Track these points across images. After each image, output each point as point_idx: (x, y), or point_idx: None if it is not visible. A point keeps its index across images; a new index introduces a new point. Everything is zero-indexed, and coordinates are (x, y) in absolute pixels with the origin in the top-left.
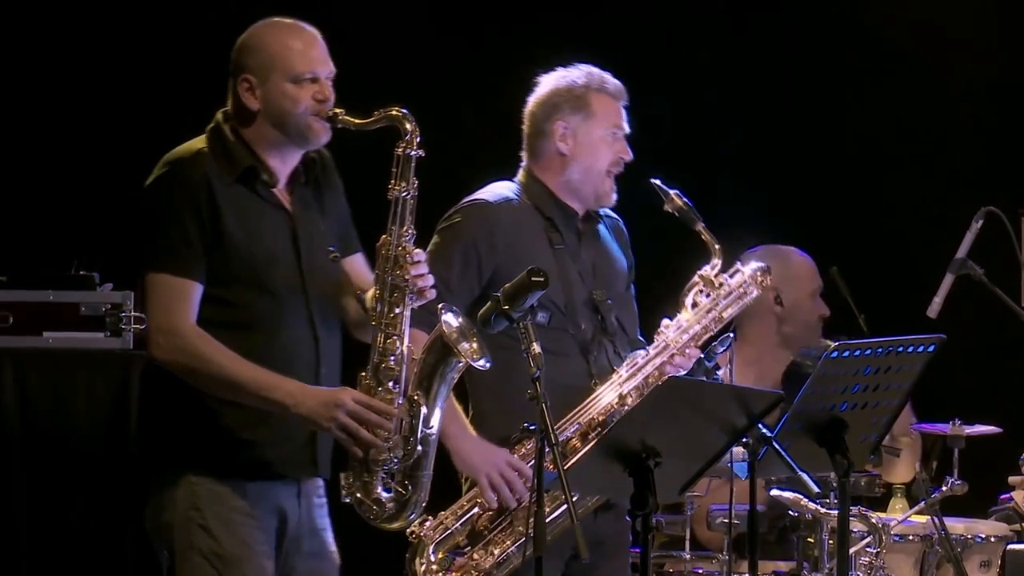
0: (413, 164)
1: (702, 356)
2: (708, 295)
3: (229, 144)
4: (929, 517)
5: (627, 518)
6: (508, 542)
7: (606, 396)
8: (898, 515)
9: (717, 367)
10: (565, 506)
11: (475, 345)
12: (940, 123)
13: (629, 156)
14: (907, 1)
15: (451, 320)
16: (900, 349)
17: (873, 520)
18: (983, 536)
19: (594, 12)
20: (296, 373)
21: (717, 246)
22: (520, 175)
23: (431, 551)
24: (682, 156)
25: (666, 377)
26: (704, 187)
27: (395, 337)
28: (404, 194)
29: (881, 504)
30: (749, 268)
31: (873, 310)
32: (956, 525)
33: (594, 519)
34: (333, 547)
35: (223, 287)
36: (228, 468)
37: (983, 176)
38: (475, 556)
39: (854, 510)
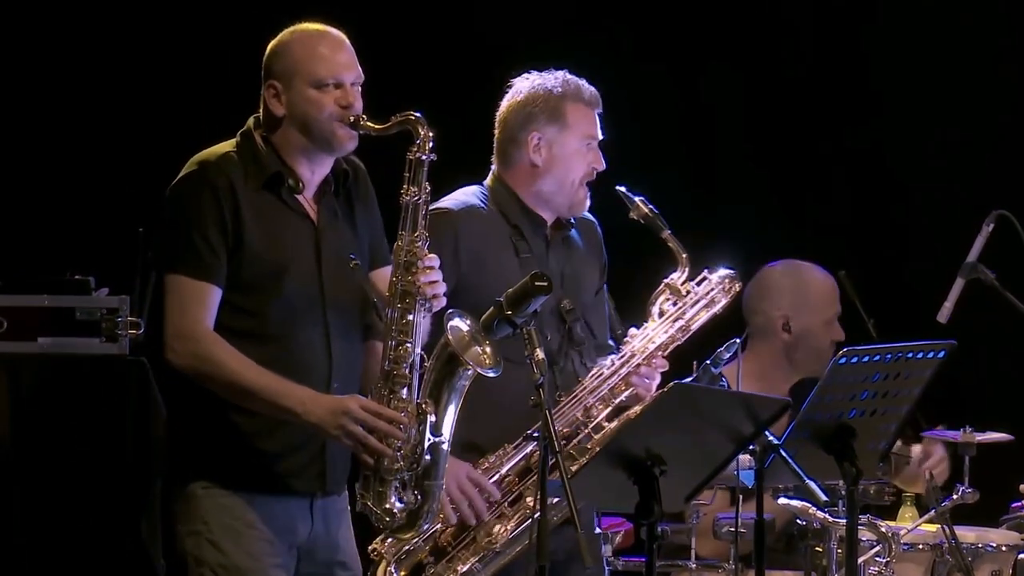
0: (425, 169)
1: (708, 363)
2: (675, 303)
3: (258, 150)
4: (939, 526)
5: (597, 530)
6: (472, 559)
7: (571, 409)
8: (908, 524)
9: (722, 375)
10: (530, 520)
11: (487, 350)
12: (951, 124)
13: (602, 166)
14: (917, 1)
15: (460, 326)
16: (909, 355)
17: (882, 529)
18: (994, 545)
19: (598, 12)
20: (308, 382)
21: (684, 254)
22: (489, 179)
23: (393, 568)
24: (688, 160)
25: (673, 384)
26: (710, 190)
27: (407, 344)
28: (416, 199)
29: (890, 512)
30: (717, 275)
31: (882, 315)
32: (967, 534)
33: (562, 531)
34: (354, 558)
35: (240, 293)
36: (236, 479)
37: (994, 178)
38: (438, 573)
39: (863, 519)
